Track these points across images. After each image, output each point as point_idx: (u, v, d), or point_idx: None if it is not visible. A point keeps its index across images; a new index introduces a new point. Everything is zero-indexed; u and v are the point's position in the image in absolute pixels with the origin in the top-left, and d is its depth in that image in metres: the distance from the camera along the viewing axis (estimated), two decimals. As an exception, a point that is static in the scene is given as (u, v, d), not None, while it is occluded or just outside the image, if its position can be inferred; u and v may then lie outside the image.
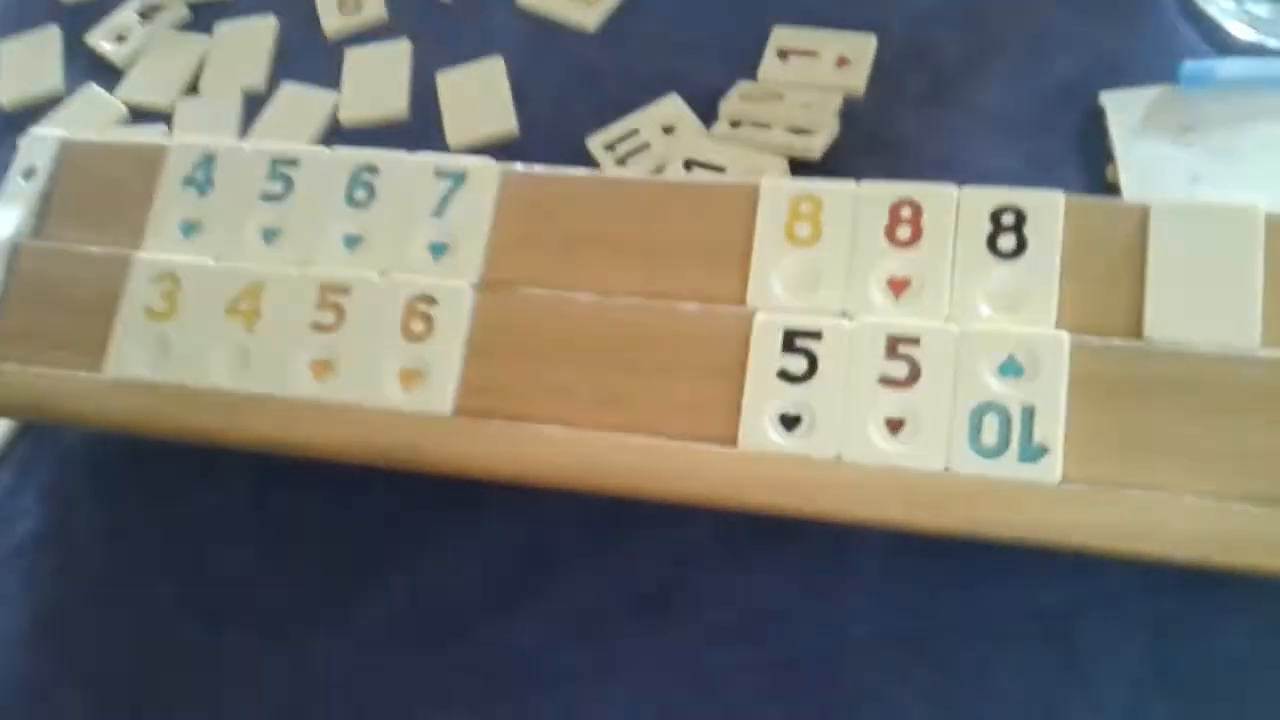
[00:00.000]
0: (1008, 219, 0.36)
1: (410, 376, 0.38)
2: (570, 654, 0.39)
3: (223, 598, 0.42)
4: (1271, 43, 0.47)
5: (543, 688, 0.39)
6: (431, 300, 0.38)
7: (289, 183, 0.41)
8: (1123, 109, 0.46)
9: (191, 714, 0.40)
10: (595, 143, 0.49)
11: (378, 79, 0.54)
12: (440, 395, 0.37)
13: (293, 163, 0.41)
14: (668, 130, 0.49)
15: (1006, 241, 0.36)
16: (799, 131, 0.46)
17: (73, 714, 0.41)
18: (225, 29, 0.58)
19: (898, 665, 0.37)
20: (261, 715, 0.40)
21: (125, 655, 0.42)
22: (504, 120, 0.51)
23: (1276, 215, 0.35)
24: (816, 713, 0.37)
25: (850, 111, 0.48)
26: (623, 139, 0.49)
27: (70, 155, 0.44)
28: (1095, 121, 0.46)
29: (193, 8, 0.60)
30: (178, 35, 0.59)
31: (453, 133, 0.51)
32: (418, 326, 0.38)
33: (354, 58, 0.55)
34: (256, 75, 0.56)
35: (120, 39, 0.59)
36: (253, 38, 0.57)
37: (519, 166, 0.40)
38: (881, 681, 0.37)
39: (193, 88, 0.56)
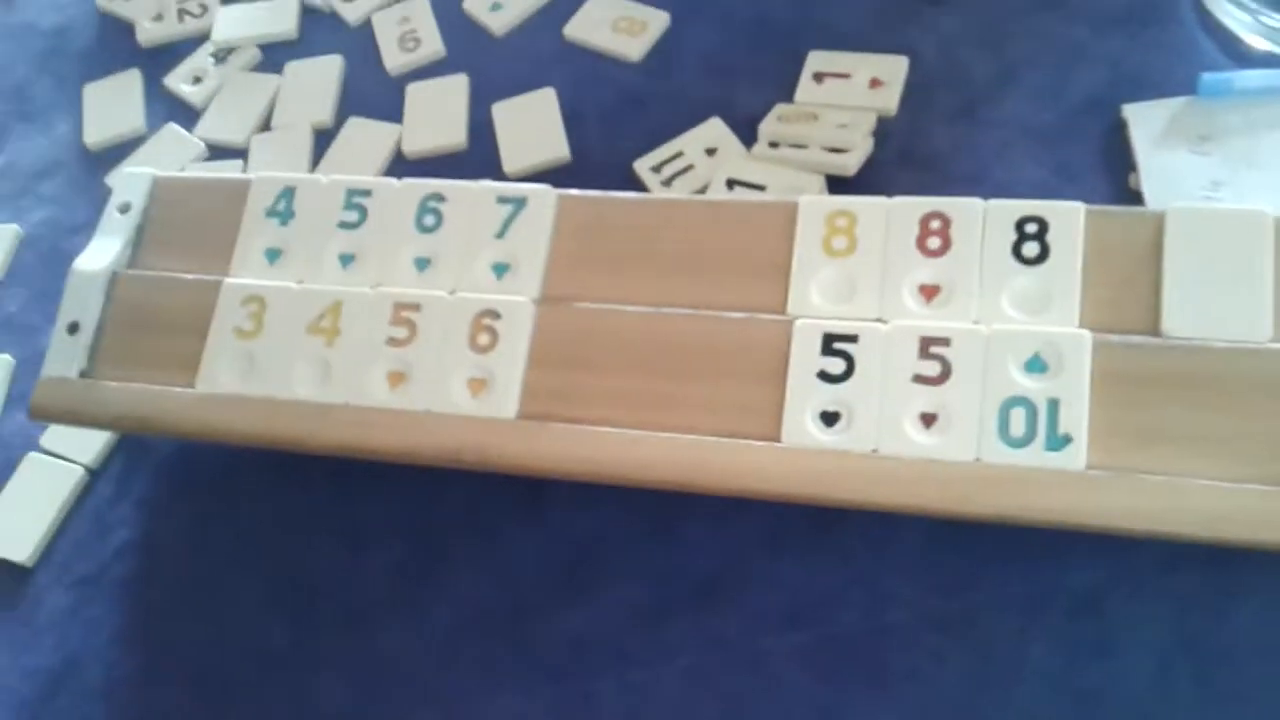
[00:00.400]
0: (1031, 228, 0.39)
1: (478, 385, 0.41)
2: (627, 640, 0.42)
3: (305, 595, 0.45)
4: (1287, 53, 0.49)
5: (601, 672, 0.41)
6: (496, 315, 0.41)
7: (363, 211, 0.45)
8: (1144, 120, 0.48)
9: (280, 707, 0.43)
10: (642, 165, 0.52)
11: (437, 111, 0.58)
12: (505, 401, 0.40)
13: (366, 193, 0.45)
14: (710, 152, 0.52)
15: (1030, 249, 0.39)
16: (835, 150, 0.49)
17: (170, 711, 0.44)
18: (294, 68, 0.62)
19: (935, 646, 0.39)
20: (344, 705, 0.43)
21: (216, 651, 0.45)
22: (557, 147, 0.54)
23: (1285, 218, 0.37)
24: (860, 692, 0.39)
25: (884, 130, 0.51)
26: (668, 161, 0.52)
27: (162, 190, 0.48)
28: (1118, 133, 0.48)
29: (263, 49, 0.64)
30: (250, 76, 0.63)
31: (509, 160, 0.55)
32: (484, 339, 0.41)
33: (414, 92, 0.59)
34: (324, 111, 0.59)
35: (197, 80, 0.63)
36: (320, 76, 0.61)
37: (573, 191, 0.43)
38: (920, 661, 0.39)
39: (266, 125, 0.60)
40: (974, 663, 0.39)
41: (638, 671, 0.41)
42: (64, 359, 0.45)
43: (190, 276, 0.45)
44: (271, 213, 0.46)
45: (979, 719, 0.38)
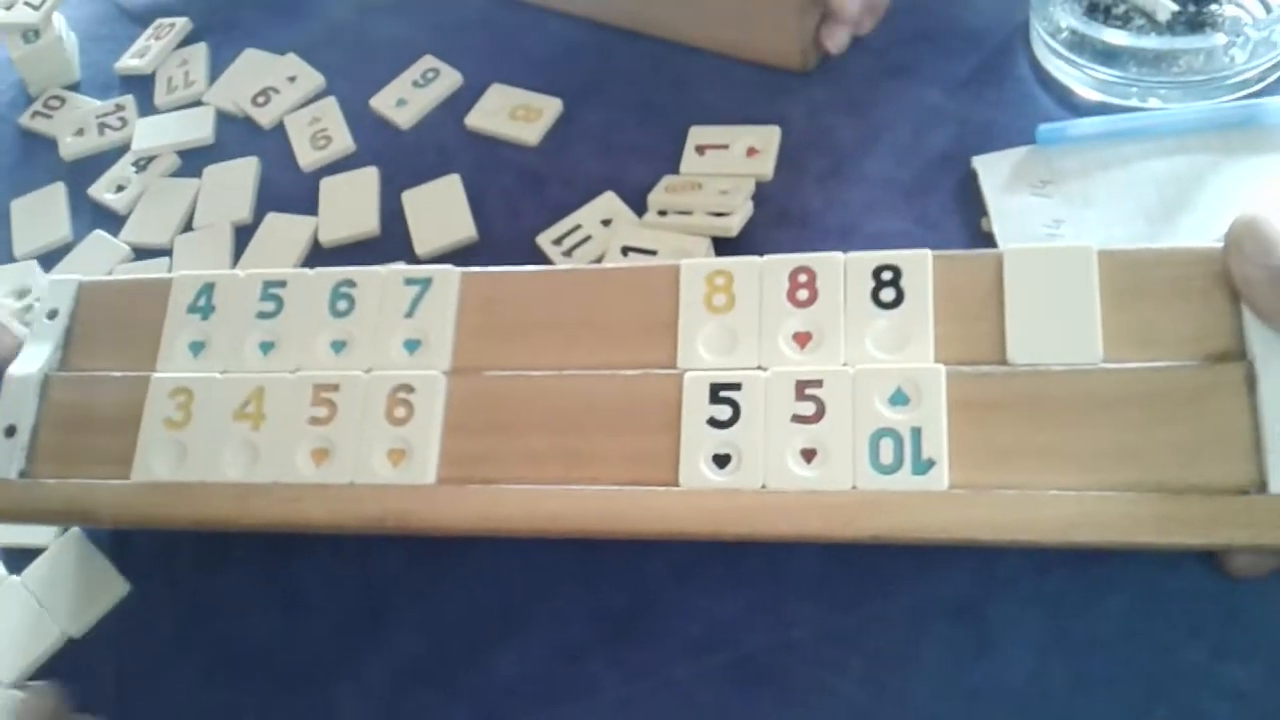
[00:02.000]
0: (886, 275, 0.43)
1: (398, 455, 0.44)
2: (554, 679, 0.45)
3: (246, 665, 0.47)
4: (1114, 102, 0.55)
5: (533, 712, 0.44)
6: (410, 389, 0.45)
7: (279, 301, 0.48)
8: (992, 169, 0.53)
9: None
10: (544, 239, 0.56)
11: (350, 202, 0.61)
12: (424, 468, 0.43)
13: (282, 284, 0.48)
14: (606, 223, 0.56)
15: (887, 294, 0.43)
16: (718, 214, 0.53)
17: None
18: (212, 171, 0.65)
19: (836, 658, 0.43)
20: None
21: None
22: (464, 228, 0.58)
23: (1107, 251, 0.42)
24: (772, 706, 0.43)
25: (762, 193, 0.55)
26: (568, 234, 0.56)
27: (87, 294, 0.50)
28: (970, 182, 0.53)
29: (182, 155, 0.67)
30: (170, 181, 0.66)
31: (420, 243, 0.58)
32: (400, 412, 0.44)
33: (328, 185, 0.62)
34: (243, 209, 0.63)
35: (119, 189, 0.66)
36: (238, 176, 0.64)
37: (474, 269, 0.47)
38: (824, 674, 0.43)
39: (188, 225, 0.63)
40: (872, 670, 0.42)
41: (567, 708, 0.44)
42: (3, 461, 0.47)
43: (119, 374, 0.48)
44: (193, 308, 0.48)
45: None
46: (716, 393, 0.42)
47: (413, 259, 0.58)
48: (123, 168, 0.67)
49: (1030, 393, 0.40)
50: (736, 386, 0.42)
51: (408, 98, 0.65)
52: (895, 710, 0.42)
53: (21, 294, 0.62)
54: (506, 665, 0.45)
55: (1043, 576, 0.43)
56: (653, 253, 0.53)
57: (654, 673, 0.44)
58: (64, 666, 0.49)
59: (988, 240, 0.51)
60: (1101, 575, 0.42)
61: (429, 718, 0.45)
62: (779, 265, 0.44)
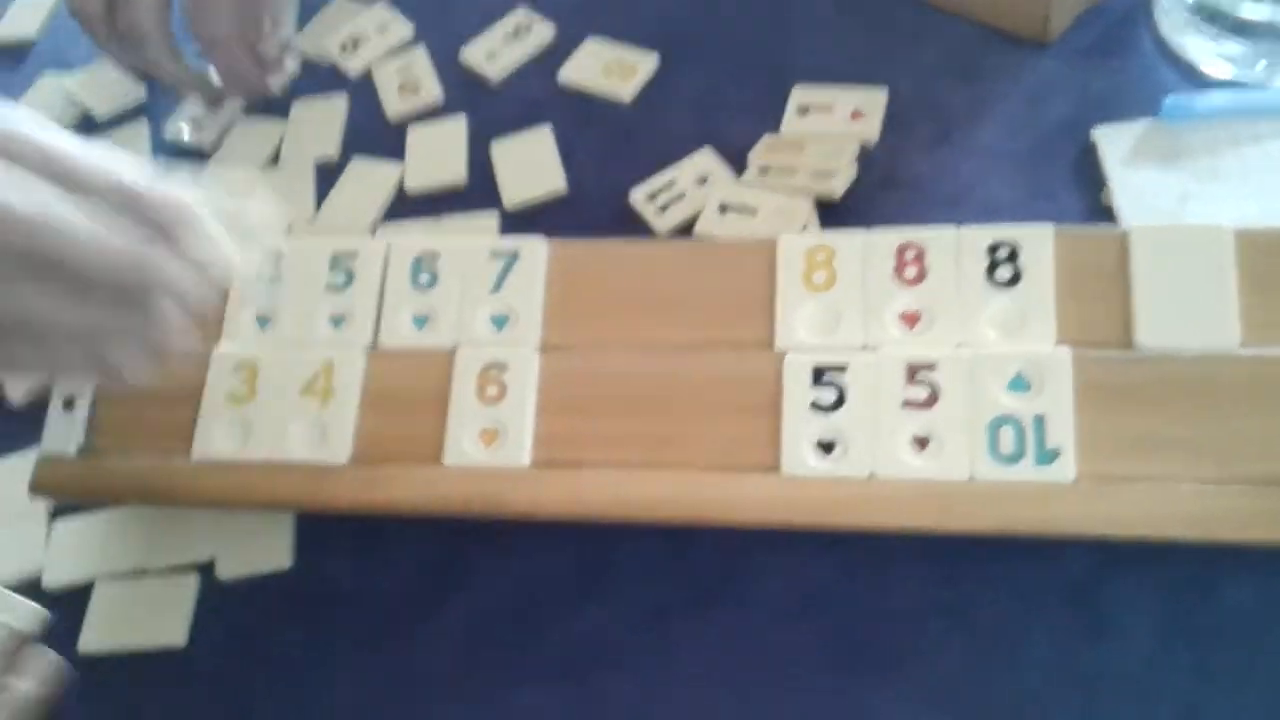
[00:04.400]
0: (1003, 252, 0.43)
1: (490, 435, 0.45)
2: (640, 638, 0.45)
3: (323, 603, 0.49)
4: (1242, 77, 0.55)
5: (616, 670, 0.45)
6: (503, 366, 0.45)
7: (350, 275, 0.48)
8: (1113, 141, 0.53)
9: (294, 708, 0.47)
10: (637, 195, 0.56)
11: (438, 151, 0.62)
12: (518, 450, 0.44)
13: (353, 255, 0.49)
14: (702, 180, 0.56)
15: (1004, 272, 0.43)
16: (821, 175, 0.54)
17: (199, 714, 0.48)
18: (301, 106, 0.66)
19: (939, 633, 0.43)
20: (361, 701, 0.47)
21: (237, 657, 0.49)
22: (554, 180, 0.59)
23: (1245, 231, 0.41)
24: (868, 678, 0.43)
25: (866, 157, 0.55)
26: (662, 190, 0.56)
27: None
28: (1089, 154, 0.53)
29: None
30: (256, 120, 0.67)
31: (508, 194, 0.59)
32: (493, 391, 0.45)
33: (416, 133, 0.63)
34: (330, 146, 0.64)
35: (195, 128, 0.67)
36: (326, 113, 0.66)
37: (562, 241, 0.47)
38: (925, 648, 0.43)
39: (273, 161, 0.64)
40: (978, 648, 0.43)
41: (651, 668, 0.45)
42: (61, 435, 0.48)
43: (181, 343, 0.49)
44: (260, 278, 0.49)
45: (986, 701, 0.42)
46: (820, 375, 0.43)
47: (500, 210, 0.58)
48: (194, 106, 0.68)
49: (1161, 379, 0.40)
50: (842, 369, 0.43)
51: (498, 51, 0.66)
52: (1002, 691, 0.42)
53: None
54: (588, 621, 0.46)
55: (1164, 560, 0.42)
56: (753, 211, 0.53)
57: (742, 638, 0.44)
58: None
59: (1107, 215, 0.51)
60: (1226, 562, 0.42)
61: (507, 667, 0.46)
62: (884, 240, 0.44)
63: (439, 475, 0.44)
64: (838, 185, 0.54)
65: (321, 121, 0.66)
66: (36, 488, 0.48)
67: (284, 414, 0.47)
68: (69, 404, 0.48)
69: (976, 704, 0.42)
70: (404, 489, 0.44)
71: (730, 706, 0.44)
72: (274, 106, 0.67)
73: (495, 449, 0.44)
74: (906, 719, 0.42)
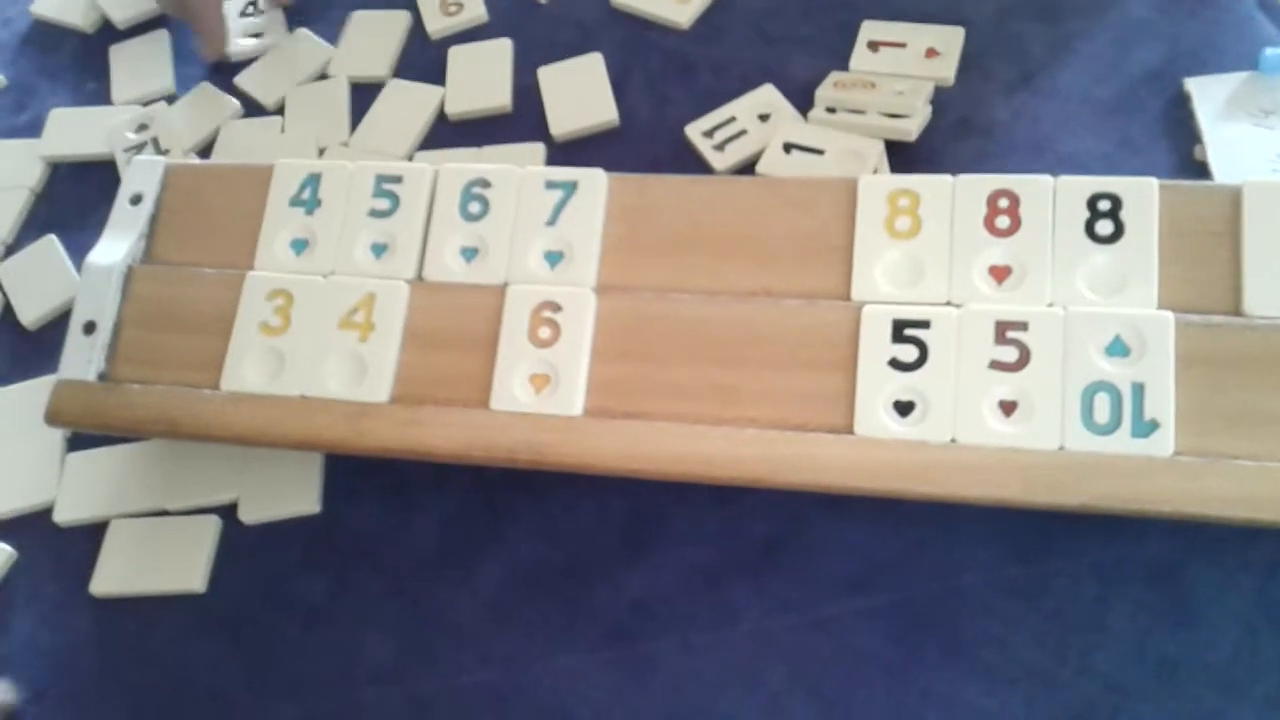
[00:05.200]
0: (1104, 205, 0.40)
1: (541, 380, 0.42)
2: (688, 602, 0.43)
3: (350, 554, 0.47)
4: (1346, 30, 0.52)
5: (662, 634, 0.43)
6: (557, 307, 0.42)
7: (395, 199, 0.45)
8: (1207, 93, 0.50)
9: (325, 660, 0.45)
10: (694, 130, 0.53)
11: (481, 74, 0.59)
12: (570, 398, 0.41)
13: (397, 179, 0.45)
14: (764, 118, 0.53)
15: (1104, 227, 0.40)
16: (893, 116, 0.51)
17: (213, 663, 0.46)
18: (359, 19, 0.63)
19: (1010, 611, 0.41)
20: (391, 661, 0.44)
21: (255, 606, 0.46)
22: (605, 110, 0.56)
23: (1367, 191, 0.39)
24: (933, 656, 0.41)
25: (941, 99, 0.52)
26: (720, 126, 0.53)
27: (175, 179, 0.48)
28: (1180, 106, 0.50)
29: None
30: (300, 34, 0.63)
31: (556, 123, 0.56)
32: (545, 333, 0.42)
33: (457, 55, 0.60)
34: (382, 65, 0.60)
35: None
36: (386, 26, 0.62)
37: (623, 175, 0.44)
38: (997, 628, 0.41)
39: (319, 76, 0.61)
40: (1051, 629, 0.40)
41: (700, 633, 0.42)
42: (80, 361, 0.45)
43: (210, 270, 0.46)
44: (296, 201, 0.46)
45: (1057, 686, 0.40)
46: (900, 330, 0.40)
47: (546, 140, 0.56)
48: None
49: (1271, 350, 0.37)
50: (924, 324, 0.40)
51: None
52: (1076, 675, 0.40)
53: (141, 126, 0.60)
54: (635, 582, 0.44)
55: (1252, 542, 0.40)
56: (820, 152, 0.50)
57: (800, 608, 0.42)
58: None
59: (1200, 170, 0.48)
60: None
61: (546, 629, 0.44)
62: (975, 186, 0.41)
63: (485, 420, 0.42)
64: (912, 126, 0.50)
65: (377, 36, 0.62)
66: (52, 416, 0.45)
67: (320, 347, 0.44)
68: (89, 328, 0.46)
69: (1048, 690, 0.40)
70: (447, 433, 0.42)
71: (784, 680, 0.42)
72: (332, 22, 0.64)
73: (546, 395, 0.42)
74: (971, 702, 0.40)
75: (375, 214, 0.46)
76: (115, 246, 0.47)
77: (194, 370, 0.45)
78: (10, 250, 0.59)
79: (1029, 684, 0.40)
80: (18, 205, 0.60)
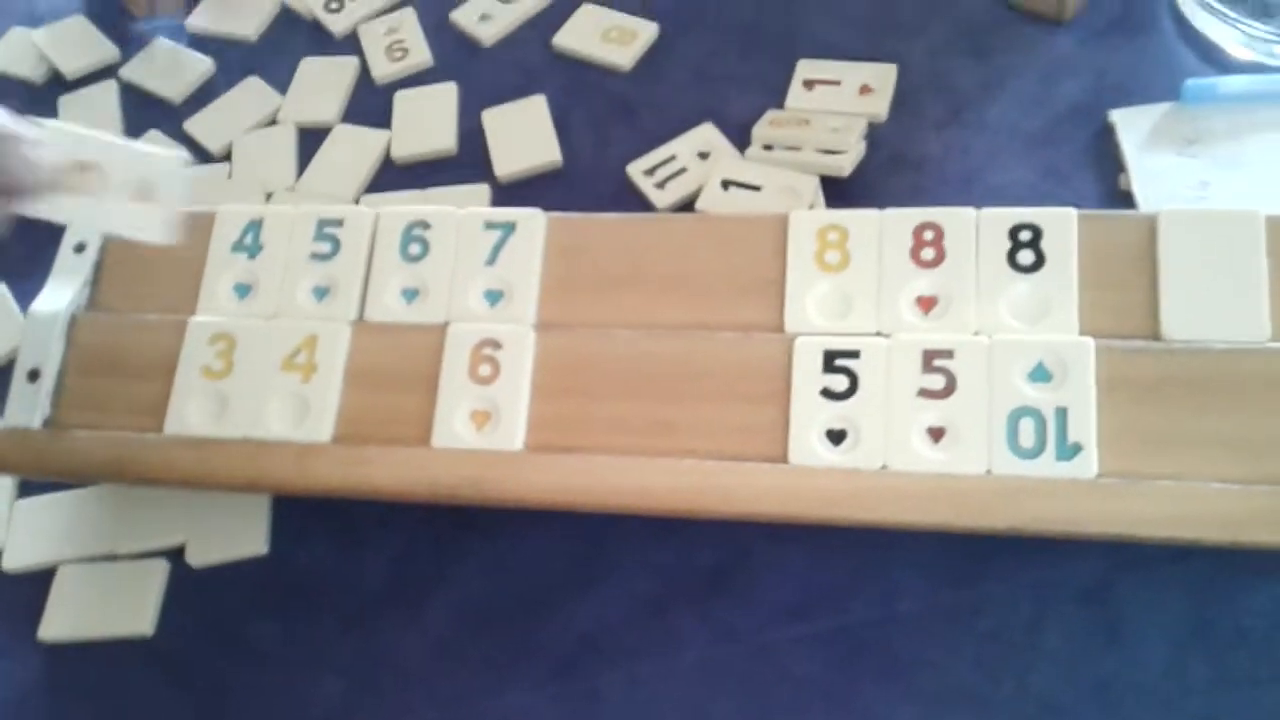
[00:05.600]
0: (1025, 235, 0.41)
1: (482, 417, 0.42)
2: (634, 635, 0.44)
3: (299, 595, 0.47)
4: (1268, 61, 0.53)
5: (609, 667, 0.43)
6: (497, 344, 0.43)
7: (336, 243, 0.46)
8: (1131, 124, 0.52)
9: (275, 704, 0.45)
10: (635, 169, 0.55)
11: (426, 118, 0.60)
12: (511, 434, 0.42)
13: (338, 223, 0.46)
14: (703, 156, 0.54)
15: (1026, 256, 0.41)
16: (828, 152, 0.52)
17: (160, 708, 0.46)
18: (309, 65, 0.63)
19: (947, 635, 0.42)
20: (342, 704, 0.44)
21: (205, 649, 0.46)
22: (549, 151, 0.57)
23: (1277, 218, 0.40)
24: (873, 682, 0.41)
25: (875, 135, 0.53)
26: (661, 165, 0.54)
27: None
28: (1105, 137, 0.51)
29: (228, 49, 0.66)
30: (248, 81, 0.64)
31: (500, 164, 0.57)
32: (485, 370, 0.43)
33: (403, 99, 0.61)
34: (330, 109, 0.61)
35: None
36: (335, 75, 0.63)
37: (561, 214, 0.45)
38: (934, 652, 0.41)
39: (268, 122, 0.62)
40: (987, 652, 0.41)
41: (646, 665, 0.43)
42: (25, 408, 0.45)
43: (154, 316, 0.46)
44: (239, 246, 0.47)
45: (994, 707, 0.40)
46: (831, 360, 0.41)
47: (490, 181, 0.56)
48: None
49: (1189, 373, 0.38)
50: (854, 354, 0.41)
51: (492, 12, 0.63)
52: (1013, 697, 0.40)
53: None
54: (583, 616, 0.44)
55: (1183, 562, 0.41)
56: (757, 189, 0.51)
57: (744, 636, 0.43)
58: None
59: (1125, 200, 0.49)
60: (1249, 563, 0.41)
61: (494, 666, 0.44)
62: (901, 220, 0.42)
63: (427, 458, 0.42)
64: (846, 163, 0.52)
65: (325, 82, 0.63)
66: None
67: (263, 389, 0.45)
68: (33, 375, 0.46)
69: (985, 712, 0.41)
70: (390, 471, 0.42)
71: (729, 709, 0.42)
72: (281, 69, 0.64)
73: (488, 431, 0.42)
74: (911, 725, 0.40)
75: (317, 257, 0.46)
76: (59, 294, 0.48)
77: (138, 415, 0.45)
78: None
79: (967, 706, 0.41)
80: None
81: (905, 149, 0.53)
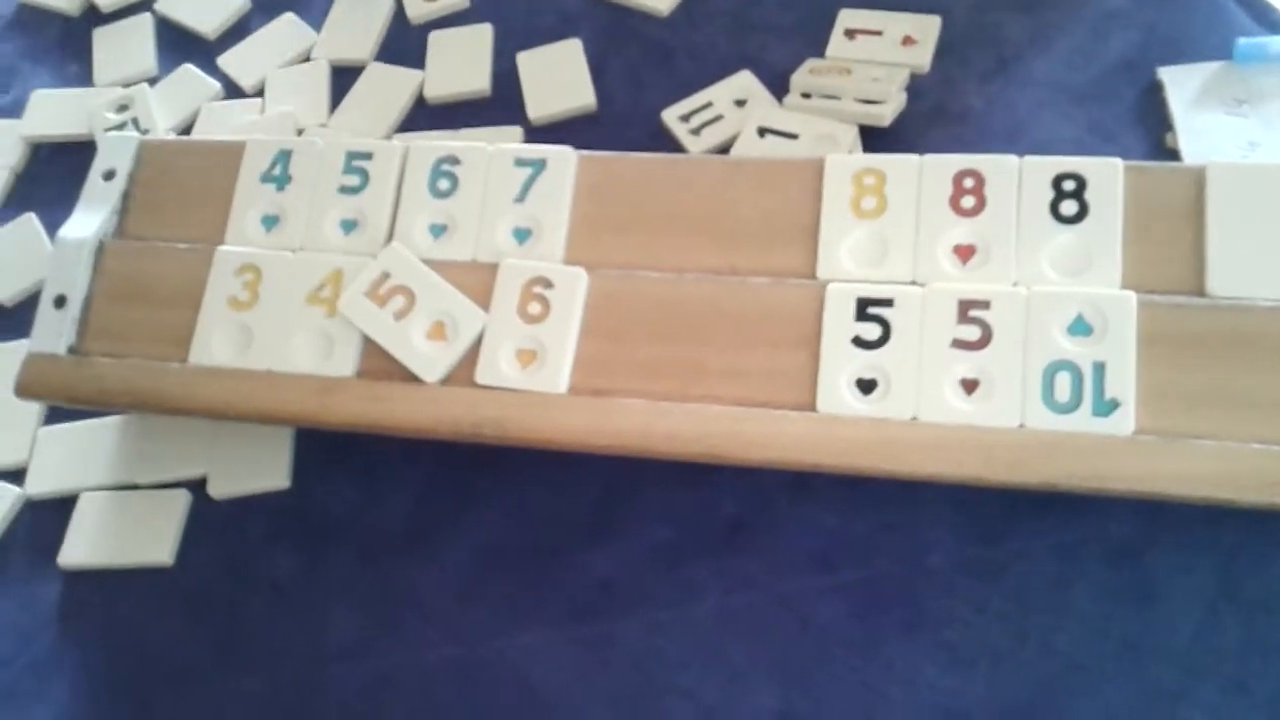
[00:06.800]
0: (1069, 185, 0.40)
1: (528, 356, 0.42)
2: (652, 581, 0.43)
3: (317, 529, 0.47)
4: (1320, 19, 0.52)
5: (625, 613, 0.43)
6: (549, 284, 0.42)
7: (365, 176, 0.45)
8: (1180, 82, 0.50)
9: (291, 637, 0.45)
10: (670, 115, 0.53)
11: (461, 58, 0.59)
12: (556, 375, 0.41)
13: (367, 156, 0.45)
14: (740, 103, 0.53)
15: (1069, 207, 0.40)
16: (868, 102, 0.51)
17: (177, 642, 0.45)
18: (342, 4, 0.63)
19: (974, 593, 0.41)
20: (355, 637, 0.44)
21: (224, 582, 0.46)
22: (583, 95, 0.56)
23: (1329, 174, 0.39)
24: (895, 635, 0.41)
25: (917, 86, 0.52)
26: (697, 111, 0.53)
27: (149, 154, 0.48)
28: (1153, 95, 0.50)
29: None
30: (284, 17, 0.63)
31: (534, 107, 0.56)
32: (535, 309, 0.42)
33: (438, 39, 0.60)
34: (364, 48, 0.60)
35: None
36: (366, 15, 0.62)
37: (592, 152, 0.44)
38: (959, 608, 0.41)
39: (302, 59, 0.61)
40: (1013, 610, 0.40)
41: (663, 612, 0.42)
42: (51, 334, 0.45)
43: (182, 245, 0.46)
44: (267, 178, 0.46)
45: (1019, 666, 0.39)
46: (864, 308, 0.40)
47: (524, 124, 0.56)
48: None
49: (1233, 330, 0.37)
50: (888, 303, 0.40)
51: None
52: (1038, 655, 0.39)
53: (121, 107, 0.60)
54: (602, 563, 0.44)
55: (1216, 524, 0.40)
56: (794, 137, 0.50)
57: (764, 586, 0.42)
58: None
59: (1172, 158, 0.47)
60: None
61: (510, 606, 0.44)
62: (941, 167, 0.41)
63: (450, 395, 0.42)
64: (886, 113, 0.50)
65: (360, 20, 0.62)
66: (22, 389, 0.46)
67: (288, 322, 0.44)
68: (60, 302, 0.46)
69: (1009, 669, 0.40)
70: (411, 408, 0.42)
71: (746, 657, 0.41)
72: (316, 6, 0.64)
73: (532, 371, 0.41)
74: (932, 680, 0.40)
75: (345, 190, 0.46)
76: (87, 221, 0.47)
77: (163, 344, 0.45)
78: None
79: (990, 663, 0.40)
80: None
81: (948, 101, 0.52)
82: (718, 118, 0.53)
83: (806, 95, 0.52)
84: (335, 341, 0.43)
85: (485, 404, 0.41)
